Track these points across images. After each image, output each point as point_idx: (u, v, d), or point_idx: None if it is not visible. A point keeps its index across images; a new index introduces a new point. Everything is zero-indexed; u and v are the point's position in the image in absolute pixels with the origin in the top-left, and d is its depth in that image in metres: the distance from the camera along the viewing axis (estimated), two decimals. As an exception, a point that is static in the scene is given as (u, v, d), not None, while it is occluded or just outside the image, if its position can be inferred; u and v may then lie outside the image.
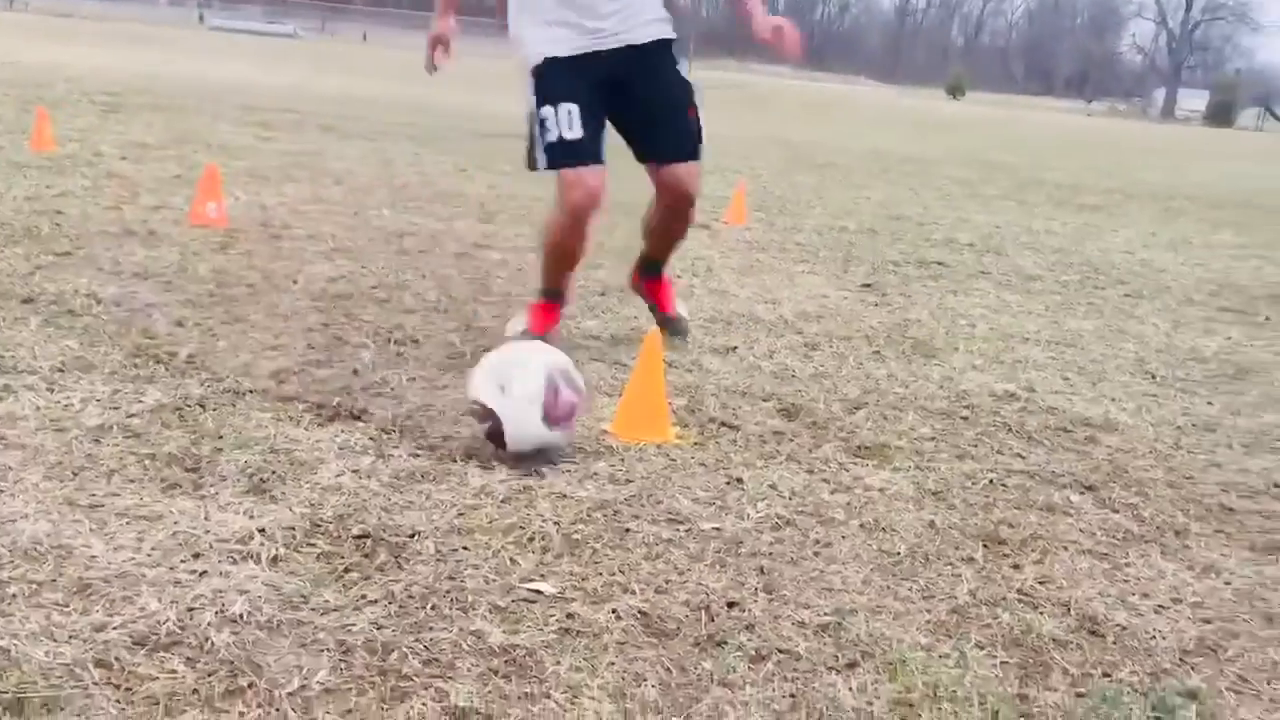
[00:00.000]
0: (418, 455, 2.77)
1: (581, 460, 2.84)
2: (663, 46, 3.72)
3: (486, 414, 2.76)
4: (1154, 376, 4.28)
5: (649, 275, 4.17)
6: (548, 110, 3.56)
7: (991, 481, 2.95)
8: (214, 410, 2.91)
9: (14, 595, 1.92)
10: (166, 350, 3.37)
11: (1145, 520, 2.79)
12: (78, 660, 1.75)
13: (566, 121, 3.53)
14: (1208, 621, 2.29)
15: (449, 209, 6.66)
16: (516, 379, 2.75)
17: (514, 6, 3.70)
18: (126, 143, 8.06)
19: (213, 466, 2.56)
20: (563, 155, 3.56)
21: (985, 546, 2.54)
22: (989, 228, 8.37)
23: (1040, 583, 2.38)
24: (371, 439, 2.84)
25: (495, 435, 2.77)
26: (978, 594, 2.30)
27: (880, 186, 10.78)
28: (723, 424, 3.22)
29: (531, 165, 3.68)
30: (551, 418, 2.74)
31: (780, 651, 2.01)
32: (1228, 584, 2.47)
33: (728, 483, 2.78)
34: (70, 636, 1.82)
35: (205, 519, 2.29)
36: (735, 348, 4.09)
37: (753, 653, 1.99)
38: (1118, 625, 2.23)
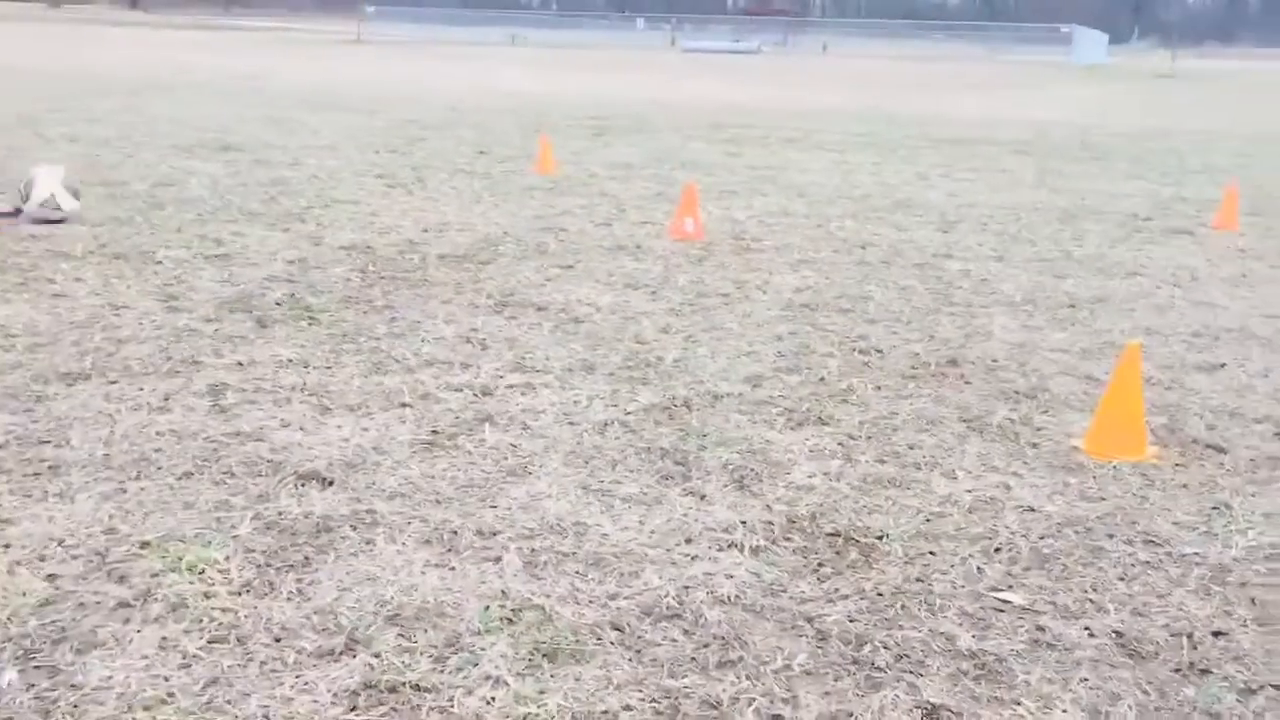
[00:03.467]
0: (884, 461, 2.88)
1: (1049, 474, 2.81)
2: None
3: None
4: None
5: None
6: None
7: None
8: (698, 410, 3.20)
9: (545, 562, 2.26)
10: (655, 354, 3.73)
11: None
12: (598, 622, 2.04)
13: None
14: None
15: (909, 218, 6.71)
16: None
17: None
18: (613, 163, 8.87)
19: (699, 462, 2.82)
20: None
21: None
22: None
23: None
24: (840, 444, 2.99)
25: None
26: None
27: None
28: (1208, 445, 3.03)
29: None
30: None
31: (1275, 687, 1.90)
32: None
33: (1214, 508, 2.63)
34: (590, 601, 2.11)
35: (695, 508, 2.55)
36: (1224, 364, 3.81)
37: (1242, 685, 1.91)
38: None
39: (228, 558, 2.20)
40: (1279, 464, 2.91)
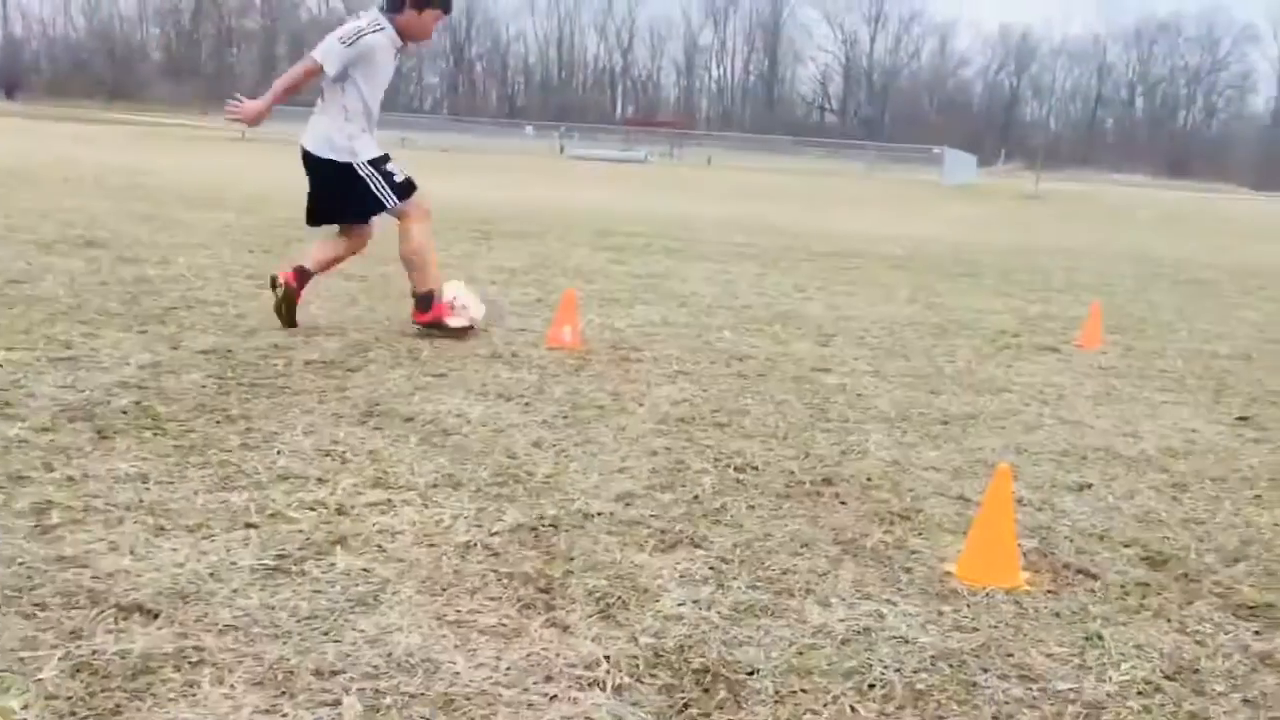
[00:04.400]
0: (756, 587, 2.77)
1: (923, 602, 2.74)
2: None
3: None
4: None
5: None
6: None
7: (1407, 658, 2.57)
8: (566, 531, 3.06)
9: (389, 706, 2.08)
10: (525, 469, 3.59)
11: None
12: (441, 776, 1.86)
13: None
14: None
15: (788, 330, 6.75)
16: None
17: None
18: (496, 268, 8.79)
19: (564, 589, 2.68)
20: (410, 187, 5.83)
21: (1402, 737, 2.20)
22: (1392, 352, 7.44)
23: None
24: (711, 568, 2.88)
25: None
26: (1395, 795, 1.99)
27: (1256, 305, 9.89)
28: (1079, 571, 3.01)
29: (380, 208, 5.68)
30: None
31: (1151, 841, 1.82)
32: None
33: (1086, 638, 2.58)
34: (435, 751, 1.94)
35: (557, 641, 2.40)
36: (1091, 485, 3.84)
37: (1119, 840, 1.82)
38: None
39: (25, 706, 1.96)
40: (1148, 591, 2.89)
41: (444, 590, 2.62)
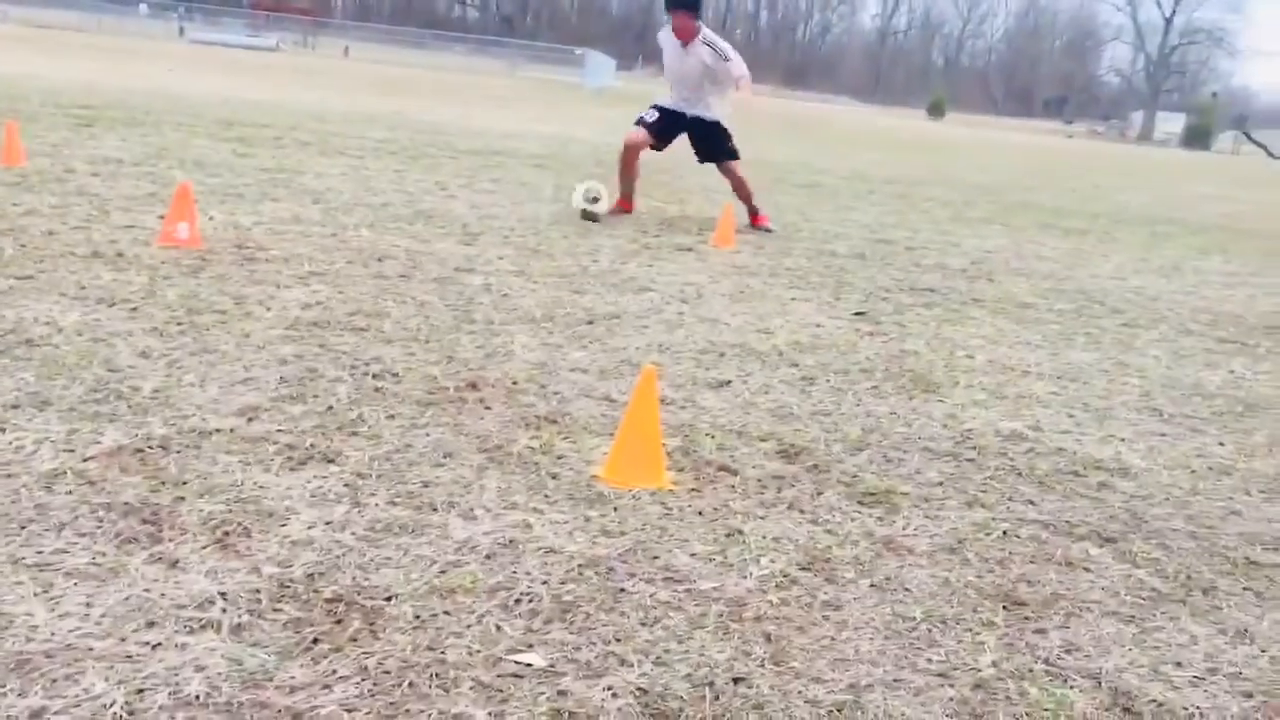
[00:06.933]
0: (395, 503, 2.58)
1: (570, 508, 2.66)
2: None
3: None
4: (1161, 414, 4.13)
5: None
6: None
7: (1005, 533, 2.79)
8: (177, 453, 2.72)
9: (-57, 675, 1.72)
10: (130, 384, 3.17)
11: (1170, 577, 2.63)
12: (9, 756, 1.56)
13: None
14: (1248, 695, 2.12)
15: (431, 229, 6.48)
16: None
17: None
18: (99, 158, 7.85)
19: (174, 518, 2.36)
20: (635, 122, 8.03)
21: (1005, 608, 2.37)
22: (978, 253, 8.25)
23: (1067, 651, 2.22)
24: (346, 485, 2.65)
25: None
26: (1001, 665, 2.13)
27: (866, 208, 10.66)
28: (721, 468, 3.04)
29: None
30: None
31: (794, 737, 1.83)
32: (1263, 650, 2.31)
33: (728, 535, 2.60)
34: (3, 725, 1.62)
35: (163, 580, 2.10)
36: (729, 382, 3.92)
37: (763, 739, 1.82)
38: (1153, 701, 2.06)
39: None
40: (784, 484, 2.97)
41: (22, 529, 2.23)
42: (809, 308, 5.46)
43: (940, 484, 3.10)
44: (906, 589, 2.41)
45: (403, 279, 5.05)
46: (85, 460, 2.61)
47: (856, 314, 5.43)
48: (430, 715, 1.78)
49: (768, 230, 8.06)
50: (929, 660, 2.12)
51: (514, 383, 3.63)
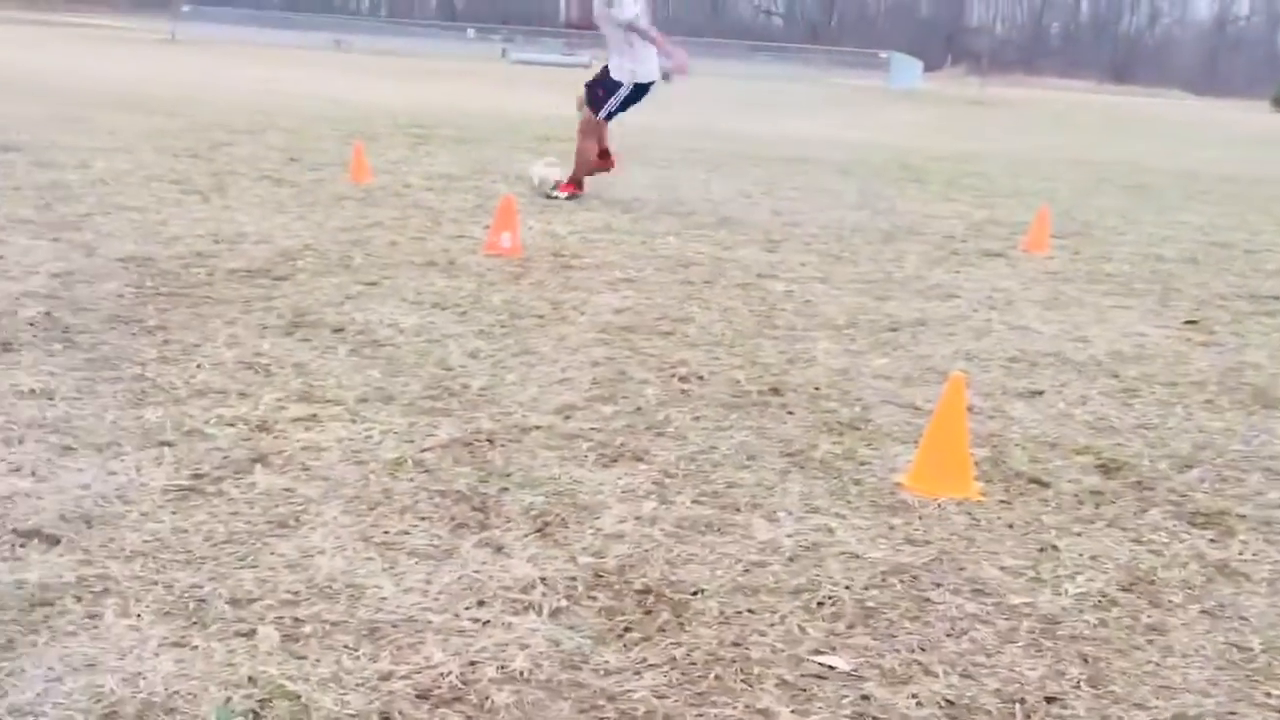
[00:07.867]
0: (701, 502, 2.66)
1: (874, 515, 2.64)
2: None
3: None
4: None
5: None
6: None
7: (1362, 564, 2.53)
8: (502, 446, 2.92)
9: (308, 636, 1.94)
10: (460, 382, 3.44)
11: None
12: (363, 712, 1.73)
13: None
14: None
15: (734, 235, 6.59)
16: None
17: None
18: (433, 174, 8.51)
19: (499, 506, 2.54)
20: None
21: (1360, 647, 2.15)
22: (1333, 256, 7.46)
23: None
24: (655, 483, 2.76)
25: None
26: (1355, 708, 1.94)
27: (1200, 209, 9.88)
28: (1031, 480, 2.93)
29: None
30: None
31: (1112, 763, 1.74)
32: None
33: (1040, 550, 2.51)
34: (358, 684, 1.81)
35: (491, 563, 2.27)
36: (1043, 392, 3.76)
37: (1078, 762, 1.74)
38: None
39: (-96, 645, 1.80)
40: (1102, 500, 2.82)
41: (371, 510, 2.47)
42: (1131, 316, 5.13)
43: (1283, 507, 2.85)
44: (1243, 617, 2.24)
45: (707, 285, 5.17)
46: (423, 451, 2.85)
47: (1187, 323, 5.05)
48: (736, 709, 1.82)
49: (564, 198, 7.51)
50: (1267, 695, 1.96)
51: (816, 388, 3.64)
